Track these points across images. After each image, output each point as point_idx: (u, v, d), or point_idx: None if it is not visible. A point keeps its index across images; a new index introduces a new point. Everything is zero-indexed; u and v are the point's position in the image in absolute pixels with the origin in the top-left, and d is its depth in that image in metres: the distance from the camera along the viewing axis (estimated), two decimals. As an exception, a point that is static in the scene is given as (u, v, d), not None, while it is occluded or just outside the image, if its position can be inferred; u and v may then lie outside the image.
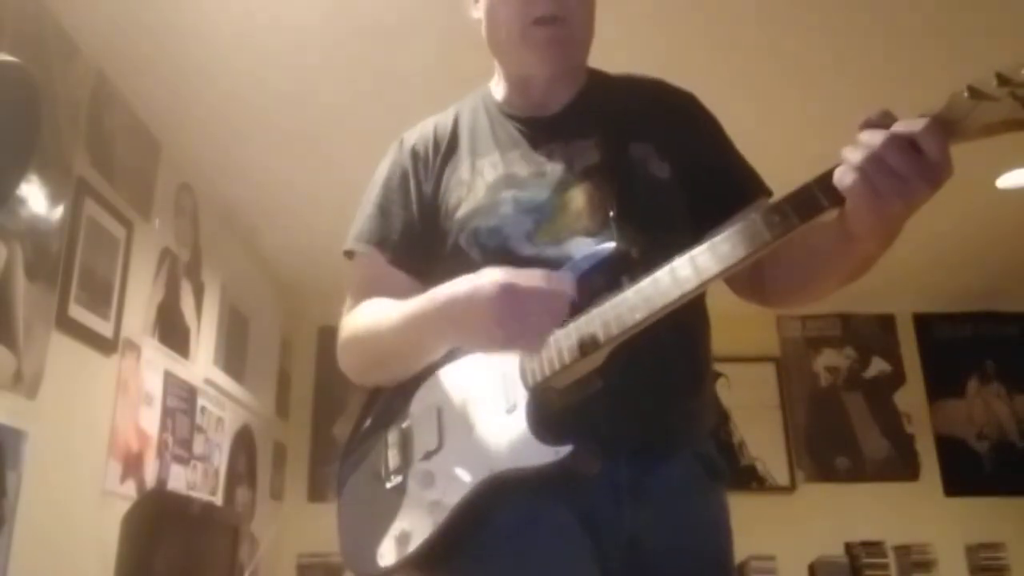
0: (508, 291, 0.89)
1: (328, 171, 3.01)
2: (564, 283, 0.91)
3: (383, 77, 2.55)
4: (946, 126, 0.77)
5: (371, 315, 1.10)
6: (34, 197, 2.10)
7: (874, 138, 0.78)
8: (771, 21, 2.39)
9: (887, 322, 4.68)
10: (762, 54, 2.53)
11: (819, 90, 2.68)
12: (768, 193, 1.13)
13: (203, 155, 2.99)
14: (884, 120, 0.79)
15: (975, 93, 0.75)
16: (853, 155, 0.79)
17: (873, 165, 0.77)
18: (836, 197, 0.81)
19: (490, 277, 0.91)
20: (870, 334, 4.68)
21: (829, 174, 0.81)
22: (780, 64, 2.58)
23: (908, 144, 0.76)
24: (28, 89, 2.05)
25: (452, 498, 0.95)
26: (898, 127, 0.77)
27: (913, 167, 0.76)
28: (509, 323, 0.88)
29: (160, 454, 2.75)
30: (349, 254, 1.20)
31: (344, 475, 1.13)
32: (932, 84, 0.84)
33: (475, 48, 1.25)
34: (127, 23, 2.29)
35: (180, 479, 2.91)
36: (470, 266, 1.05)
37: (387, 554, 0.98)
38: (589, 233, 1.03)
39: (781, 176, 1.06)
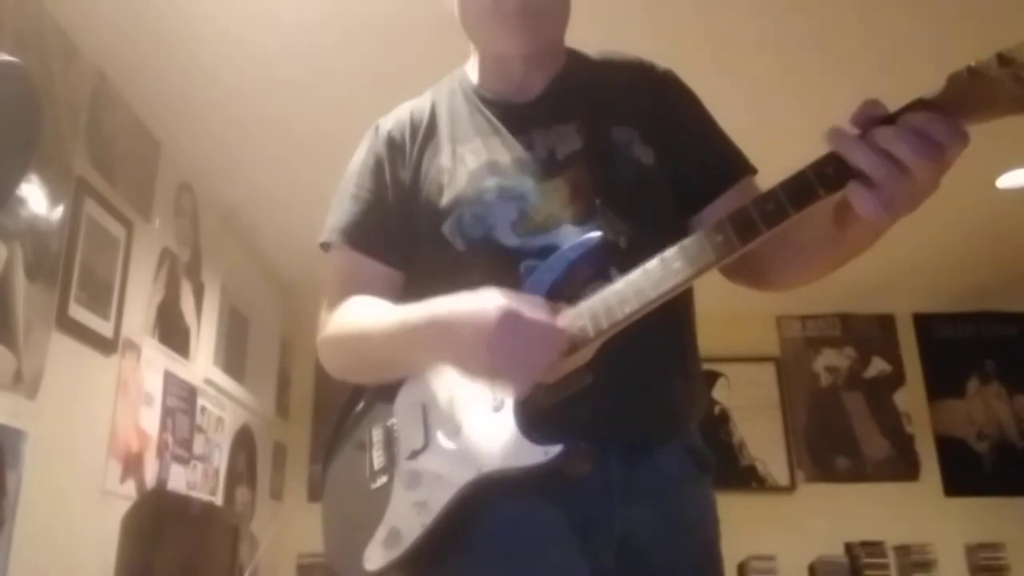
0: (510, 319, 0.85)
1: (328, 171, 2.99)
2: (561, 330, 0.88)
3: (384, 77, 2.54)
4: (948, 108, 0.74)
5: (362, 317, 1.06)
6: (34, 197, 2.10)
7: (895, 145, 0.73)
8: (765, 10, 2.38)
9: (887, 322, 4.68)
10: (755, 43, 2.52)
11: (819, 79, 2.67)
12: (753, 171, 1.12)
13: (203, 155, 2.99)
14: (874, 110, 0.77)
15: (975, 74, 0.72)
16: (874, 169, 0.74)
17: (892, 177, 0.74)
18: (833, 185, 0.79)
19: (495, 301, 0.87)
20: (870, 334, 4.67)
21: (823, 162, 0.79)
22: (775, 54, 2.58)
23: (923, 138, 0.73)
24: (28, 89, 2.05)
25: (439, 500, 0.93)
26: (912, 123, 0.74)
27: (931, 168, 0.73)
28: (501, 352, 0.85)
29: (160, 454, 2.75)
30: (325, 246, 1.16)
31: (328, 475, 1.10)
32: (928, 68, 0.83)
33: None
34: (127, 23, 2.29)
35: (180, 479, 2.91)
36: (452, 256, 1.04)
37: (374, 557, 0.96)
38: (575, 221, 1.01)
39: (777, 165, 1.04)
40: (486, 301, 0.88)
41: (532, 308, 0.87)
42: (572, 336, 0.89)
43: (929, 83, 0.76)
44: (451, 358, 0.93)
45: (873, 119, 0.77)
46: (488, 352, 0.86)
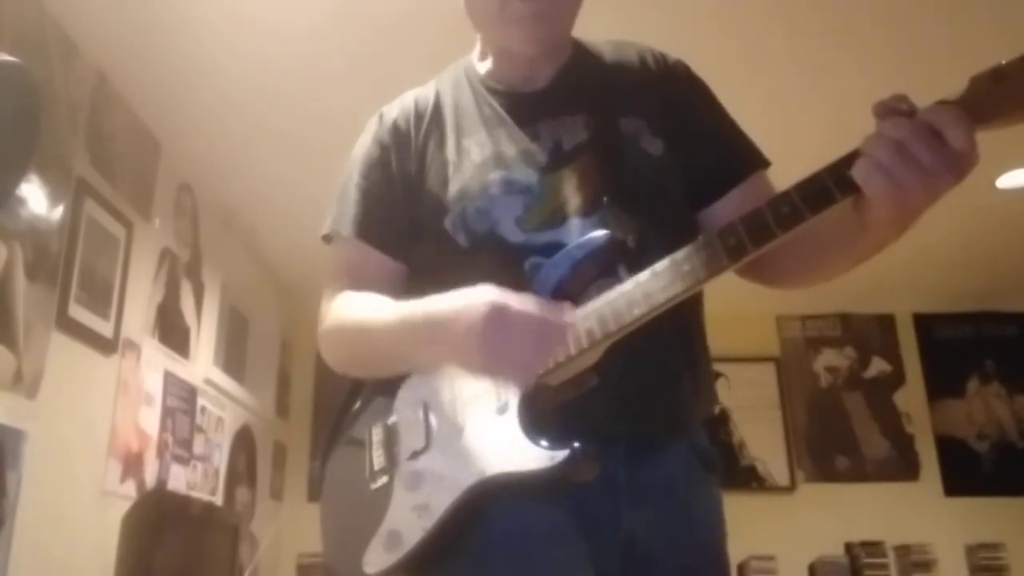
0: (497, 314, 0.84)
1: (328, 171, 2.99)
2: (563, 315, 0.86)
3: (384, 77, 2.53)
4: (969, 112, 0.72)
5: (362, 311, 1.04)
6: (34, 197, 2.10)
7: (899, 131, 0.73)
8: (783, 5, 2.36)
9: (887, 322, 4.68)
10: (772, 38, 2.50)
11: (827, 73, 2.66)
12: (765, 164, 1.10)
13: (203, 155, 2.99)
14: (899, 104, 0.75)
15: (999, 77, 0.71)
16: (877, 150, 0.74)
17: (900, 161, 0.73)
18: (849, 188, 0.77)
19: (484, 297, 0.86)
20: (870, 334, 4.67)
21: (842, 164, 0.77)
22: (788, 46, 2.55)
23: (935, 136, 0.72)
24: (28, 89, 2.05)
25: (441, 503, 0.91)
26: (925, 117, 0.73)
27: (940, 160, 0.72)
28: (492, 348, 0.84)
29: (160, 454, 2.75)
30: (327, 238, 1.14)
31: (326, 473, 1.08)
32: (948, 67, 0.81)
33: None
34: (127, 23, 2.29)
35: (180, 479, 2.91)
36: (455, 251, 1.02)
37: (374, 560, 0.94)
38: (582, 215, 0.99)
39: (794, 162, 1.02)
40: (476, 297, 0.87)
41: (524, 303, 0.86)
42: (575, 333, 0.87)
43: (951, 81, 0.75)
44: (448, 356, 0.92)
45: (897, 113, 0.75)
46: (480, 349, 0.85)
